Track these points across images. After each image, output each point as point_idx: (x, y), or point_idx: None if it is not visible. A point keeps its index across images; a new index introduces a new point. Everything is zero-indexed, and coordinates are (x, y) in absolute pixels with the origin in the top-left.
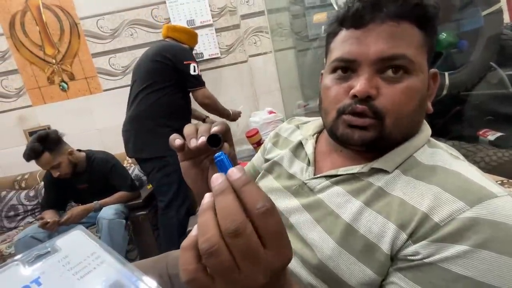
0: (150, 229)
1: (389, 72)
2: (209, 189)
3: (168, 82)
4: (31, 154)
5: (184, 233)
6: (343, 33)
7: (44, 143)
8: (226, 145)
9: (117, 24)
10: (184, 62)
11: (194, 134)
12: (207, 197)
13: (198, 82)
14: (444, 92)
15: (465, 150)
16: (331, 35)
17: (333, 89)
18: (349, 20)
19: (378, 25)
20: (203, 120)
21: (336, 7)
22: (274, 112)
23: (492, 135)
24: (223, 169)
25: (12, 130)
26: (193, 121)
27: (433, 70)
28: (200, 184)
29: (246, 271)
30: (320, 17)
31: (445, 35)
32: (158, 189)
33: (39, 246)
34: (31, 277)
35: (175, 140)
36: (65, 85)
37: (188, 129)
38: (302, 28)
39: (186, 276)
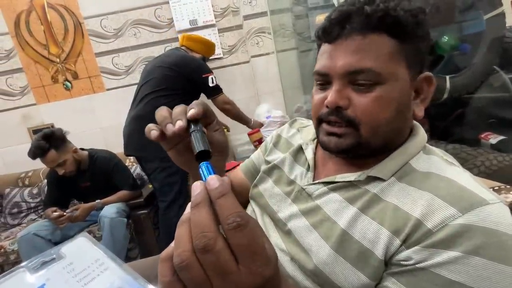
0: (151, 228)
1: (359, 83)
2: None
3: (180, 90)
4: (37, 152)
5: None
6: (322, 47)
7: (50, 141)
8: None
9: (120, 23)
10: (203, 76)
11: (169, 119)
12: (187, 209)
13: (217, 90)
14: (445, 95)
15: (465, 154)
16: (318, 46)
17: (315, 98)
18: (322, 36)
19: (345, 40)
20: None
21: None
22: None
23: (494, 139)
24: (205, 176)
25: (16, 128)
26: None
27: (425, 73)
28: (194, 168)
29: (219, 287)
30: (323, 18)
31: (446, 38)
32: (159, 190)
33: (44, 253)
34: (36, 284)
35: (151, 131)
36: (68, 84)
37: (159, 113)
38: (305, 29)
39: (162, 286)
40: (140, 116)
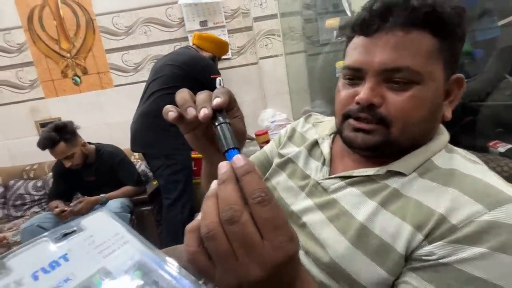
0: (154, 225)
1: (395, 81)
2: (222, 158)
3: (188, 87)
4: (47, 143)
5: None
6: (355, 40)
7: (60, 133)
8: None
9: (131, 21)
10: (211, 76)
11: (190, 102)
12: (213, 185)
13: None
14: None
15: None
16: (347, 40)
17: (342, 93)
18: (358, 28)
19: (385, 34)
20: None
21: (349, 13)
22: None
23: (502, 147)
24: (231, 157)
25: (24, 121)
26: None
27: (456, 75)
28: (213, 153)
29: (243, 260)
30: (333, 22)
31: None
32: (164, 187)
33: (65, 224)
34: (59, 253)
35: (168, 112)
36: (77, 79)
37: (180, 95)
38: (314, 32)
39: (188, 256)
40: (147, 113)
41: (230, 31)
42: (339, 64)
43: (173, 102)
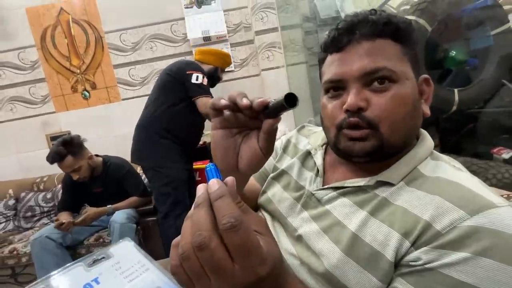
0: (158, 235)
1: (376, 84)
2: (236, 166)
3: (178, 98)
4: (55, 157)
5: None
6: (329, 58)
7: (67, 147)
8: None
9: (138, 38)
10: (187, 72)
11: (245, 95)
12: (193, 206)
13: (200, 90)
14: (454, 108)
15: (476, 167)
16: (320, 61)
17: (329, 107)
18: (330, 46)
19: (355, 45)
20: None
21: None
22: None
23: (507, 153)
24: (208, 179)
25: (36, 135)
26: None
27: (423, 76)
28: (230, 160)
29: (215, 281)
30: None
31: (454, 53)
32: (156, 199)
33: (95, 252)
34: (91, 277)
35: (220, 100)
36: (87, 93)
37: (233, 91)
38: (315, 44)
39: (171, 269)
40: (140, 125)
41: (233, 45)
42: None
43: (163, 112)
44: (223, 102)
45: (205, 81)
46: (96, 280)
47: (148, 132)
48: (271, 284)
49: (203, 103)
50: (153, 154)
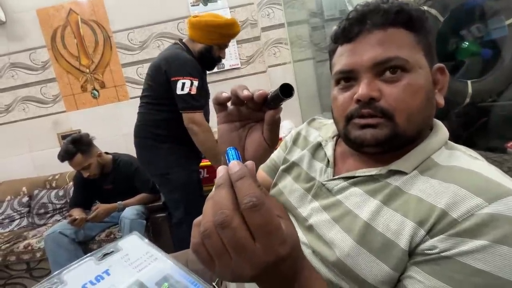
0: (168, 231)
1: (388, 74)
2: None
3: (165, 98)
4: (65, 155)
5: None
6: (339, 49)
7: (77, 145)
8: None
9: (145, 36)
10: (172, 79)
11: (246, 87)
12: (214, 187)
13: (185, 105)
14: (467, 100)
15: (490, 161)
16: (331, 53)
17: (339, 98)
18: (341, 37)
19: (366, 35)
20: None
21: None
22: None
23: None
24: (229, 161)
25: (47, 133)
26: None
27: (437, 64)
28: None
29: (236, 259)
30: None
31: (467, 44)
32: (167, 203)
33: (105, 246)
34: (102, 269)
35: (222, 93)
36: (96, 92)
37: (235, 86)
38: (321, 39)
39: (192, 247)
40: (135, 131)
41: (239, 41)
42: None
43: (154, 116)
44: (225, 94)
45: (194, 89)
46: (106, 272)
47: (143, 139)
48: (290, 266)
49: (187, 117)
50: (155, 161)
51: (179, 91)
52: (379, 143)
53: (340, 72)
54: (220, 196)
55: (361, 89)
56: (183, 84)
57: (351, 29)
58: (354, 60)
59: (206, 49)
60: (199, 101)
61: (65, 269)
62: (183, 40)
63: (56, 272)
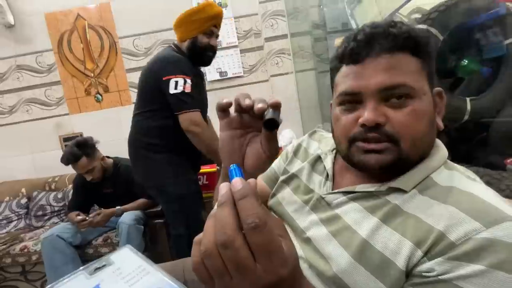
0: (165, 238)
1: (394, 99)
2: (242, 166)
3: (164, 104)
4: (70, 158)
5: None
6: (344, 69)
7: (82, 149)
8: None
9: (151, 43)
10: (163, 78)
11: (248, 96)
12: (215, 205)
13: (181, 103)
14: (466, 117)
15: (489, 177)
16: (334, 70)
17: (343, 119)
18: (347, 57)
19: (374, 59)
20: None
21: None
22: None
23: None
24: (232, 178)
25: (49, 135)
26: None
27: (437, 88)
28: (236, 160)
29: (236, 279)
30: (342, 40)
31: (466, 61)
32: (166, 215)
33: (96, 260)
34: (93, 283)
35: (223, 99)
36: (99, 96)
37: (239, 94)
38: (323, 51)
39: (192, 266)
40: (128, 142)
41: (242, 51)
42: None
43: (148, 125)
44: (226, 100)
45: (188, 87)
46: (97, 287)
47: (136, 148)
48: (290, 285)
49: (184, 119)
50: (149, 172)
51: (172, 90)
52: (383, 167)
53: (345, 93)
54: (223, 215)
55: (367, 114)
56: (176, 82)
57: (358, 51)
58: (361, 83)
59: (192, 42)
60: (196, 99)
61: (57, 283)
62: (175, 43)
63: (48, 286)
